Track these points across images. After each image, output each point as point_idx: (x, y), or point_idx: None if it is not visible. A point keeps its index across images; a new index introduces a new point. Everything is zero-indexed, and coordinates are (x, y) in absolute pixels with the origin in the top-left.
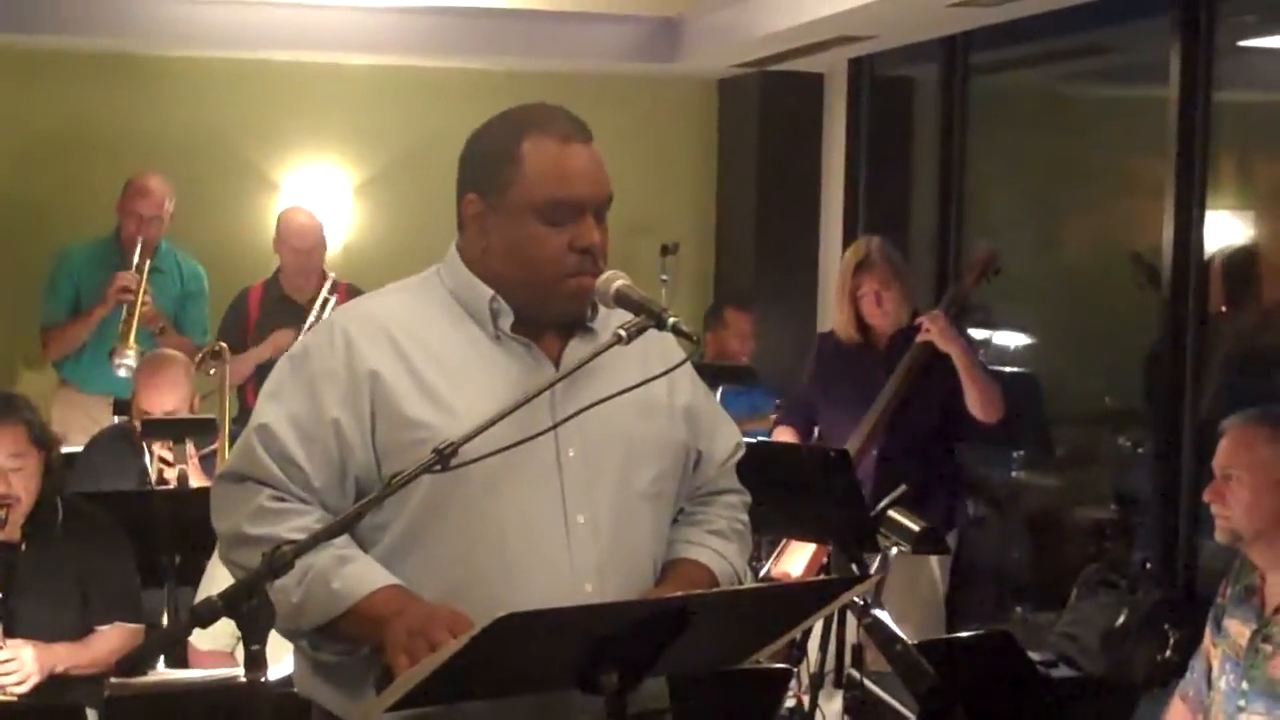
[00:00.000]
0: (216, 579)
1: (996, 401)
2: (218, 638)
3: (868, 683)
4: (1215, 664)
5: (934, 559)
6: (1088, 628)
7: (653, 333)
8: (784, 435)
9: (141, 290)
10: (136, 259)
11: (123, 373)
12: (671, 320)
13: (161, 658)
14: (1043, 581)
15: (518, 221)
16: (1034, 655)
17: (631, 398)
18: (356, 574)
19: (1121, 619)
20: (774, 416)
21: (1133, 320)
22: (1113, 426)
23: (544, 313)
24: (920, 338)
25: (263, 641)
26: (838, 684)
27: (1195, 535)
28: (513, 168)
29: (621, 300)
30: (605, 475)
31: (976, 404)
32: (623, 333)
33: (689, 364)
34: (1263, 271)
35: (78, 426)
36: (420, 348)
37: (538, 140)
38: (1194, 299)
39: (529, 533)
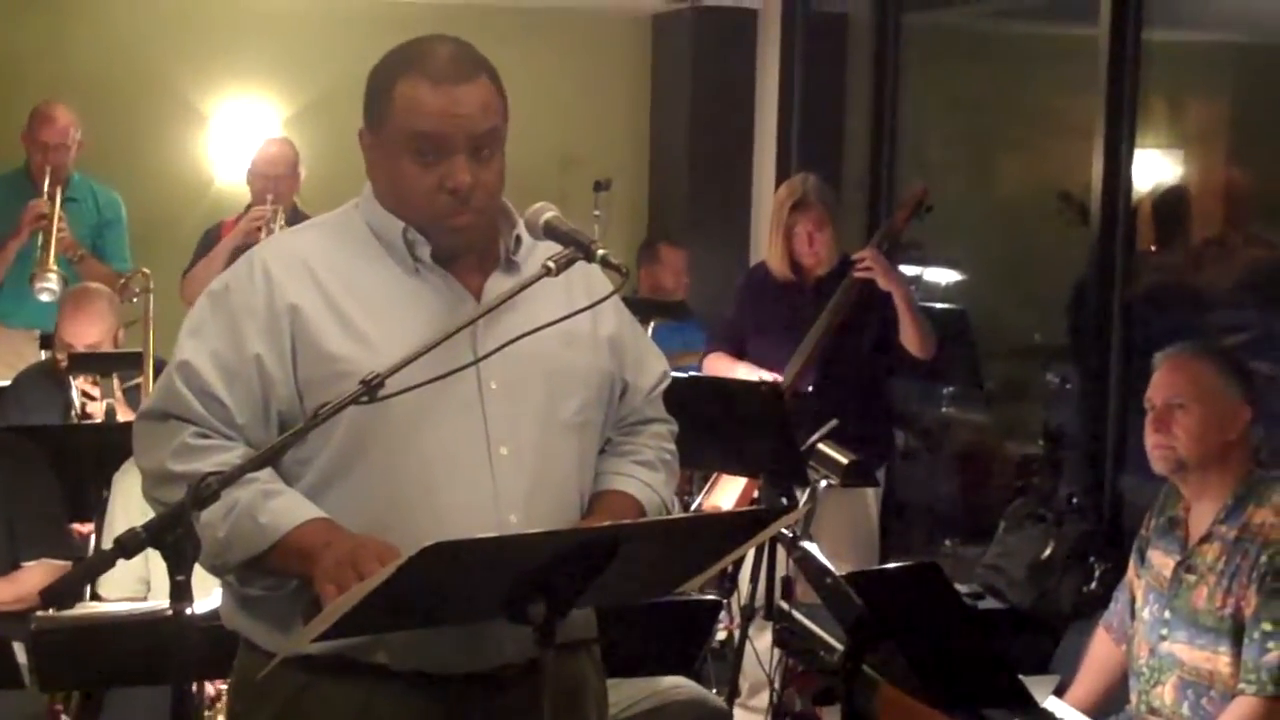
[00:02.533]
0: (116, 517)
1: (931, 339)
2: (124, 584)
3: (797, 614)
4: (1139, 595)
5: (869, 493)
6: (1014, 560)
7: (580, 264)
8: (719, 361)
9: (56, 216)
10: (47, 188)
11: (45, 297)
12: (600, 252)
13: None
14: (971, 515)
15: (394, 158)
16: (962, 588)
17: (555, 329)
18: (283, 507)
19: (1048, 552)
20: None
21: (1063, 257)
22: (1041, 362)
23: (443, 247)
24: (858, 273)
25: (188, 573)
26: (768, 616)
27: (1120, 469)
28: (387, 104)
29: (550, 232)
30: (528, 406)
31: (913, 341)
32: (551, 265)
33: (616, 296)
34: (1191, 210)
35: (4, 362)
36: (340, 282)
37: (411, 77)
38: (1122, 237)
39: (453, 465)
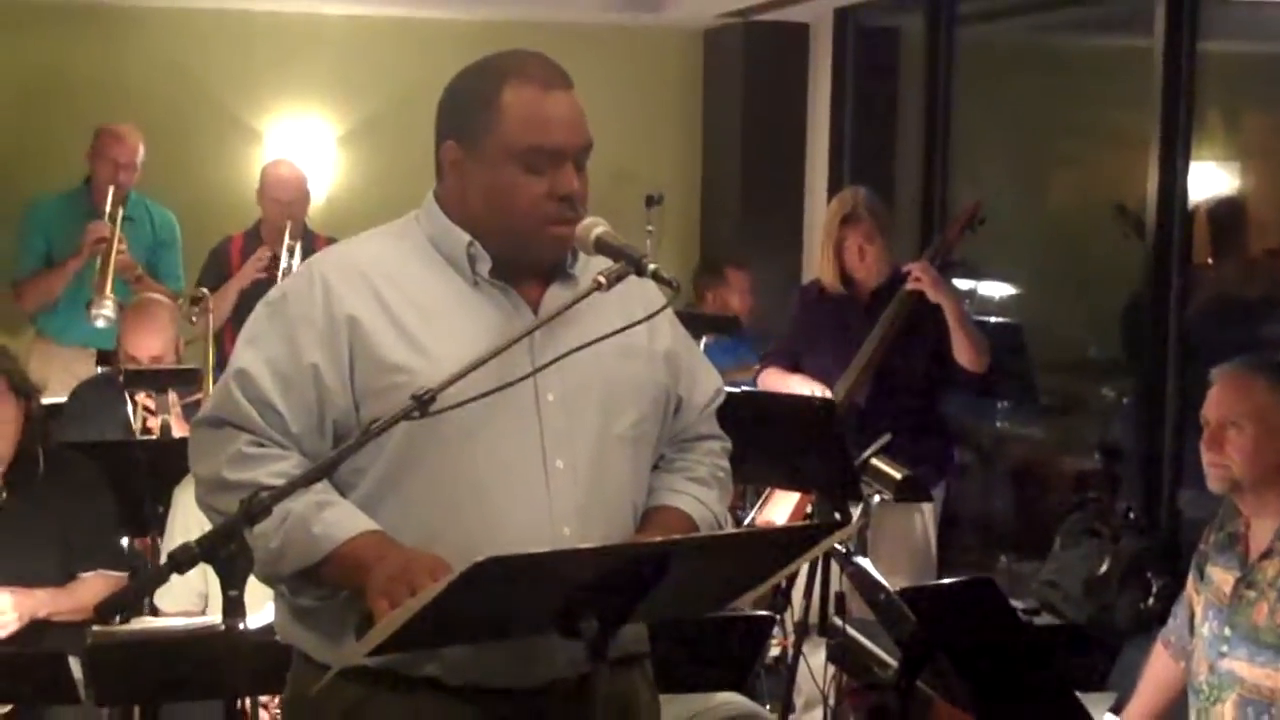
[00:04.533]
0: (176, 531)
1: (984, 352)
2: (182, 599)
3: (851, 630)
4: (1198, 611)
5: (925, 508)
6: (1071, 576)
7: (634, 279)
8: (773, 375)
9: (116, 239)
10: (109, 208)
11: (101, 323)
12: (651, 266)
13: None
14: (1027, 530)
15: (497, 168)
16: (1017, 603)
17: (611, 343)
18: (336, 519)
19: (1104, 567)
20: (756, 366)
21: (1118, 271)
22: (1097, 376)
23: (523, 259)
24: (910, 286)
25: (241, 588)
26: (821, 632)
27: (1178, 484)
28: (493, 114)
29: (602, 247)
30: (585, 420)
31: (965, 355)
32: (602, 279)
33: (669, 310)
34: (1248, 222)
35: (55, 379)
36: (398, 292)
37: (518, 87)
38: (1178, 250)
39: (508, 477)
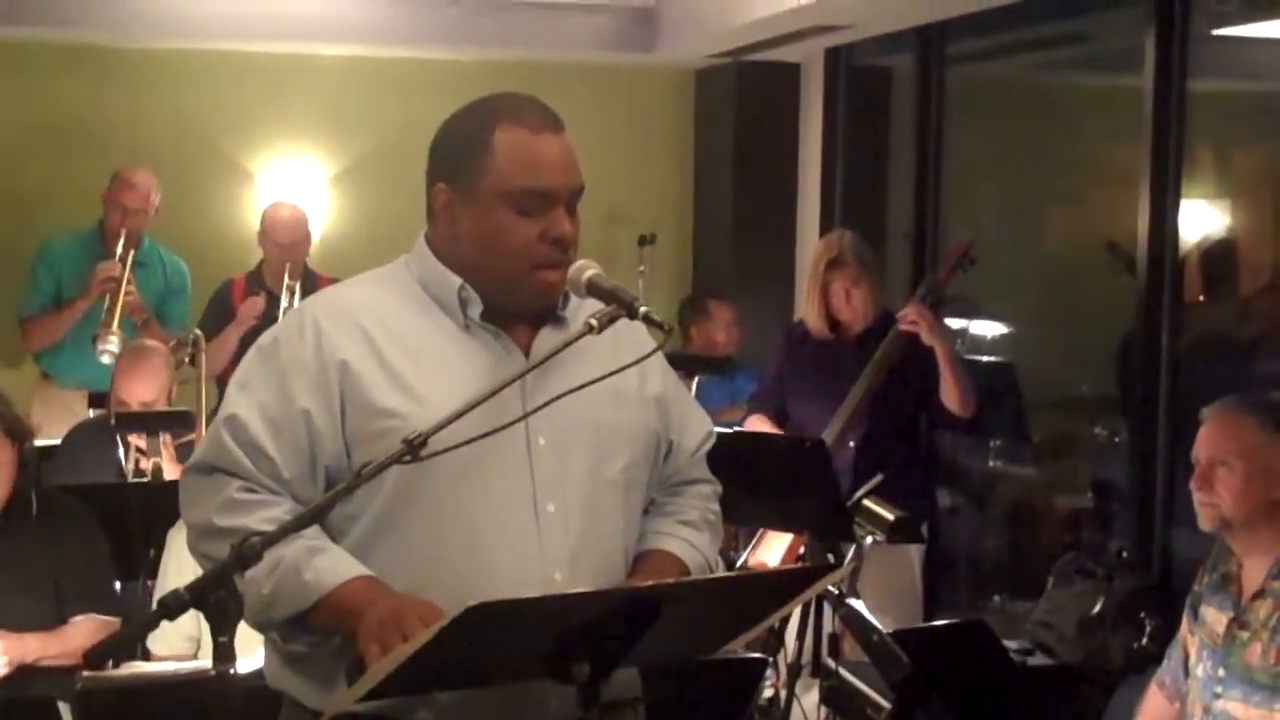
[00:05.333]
0: (169, 575)
1: (971, 398)
2: (174, 643)
3: (844, 672)
4: (1192, 652)
5: (912, 549)
6: (1064, 616)
7: (624, 322)
8: (758, 424)
9: (125, 280)
10: (120, 250)
11: (106, 359)
12: (643, 310)
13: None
14: (1019, 570)
15: (489, 211)
16: (1010, 644)
17: (603, 387)
18: (328, 565)
19: (1098, 607)
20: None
21: (1110, 309)
22: (1089, 415)
23: (514, 303)
24: (903, 328)
25: (231, 634)
26: (814, 674)
27: (1171, 524)
28: (484, 157)
29: (593, 289)
30: (576, 464)
31: (953, 399)
32: (594, 322)
33: (660, 354)
34: (1240, 261)
35: (57, 420)
36: (389, 337)
37: (510, 129)
38: (1170, 288)
39: (499, 522)
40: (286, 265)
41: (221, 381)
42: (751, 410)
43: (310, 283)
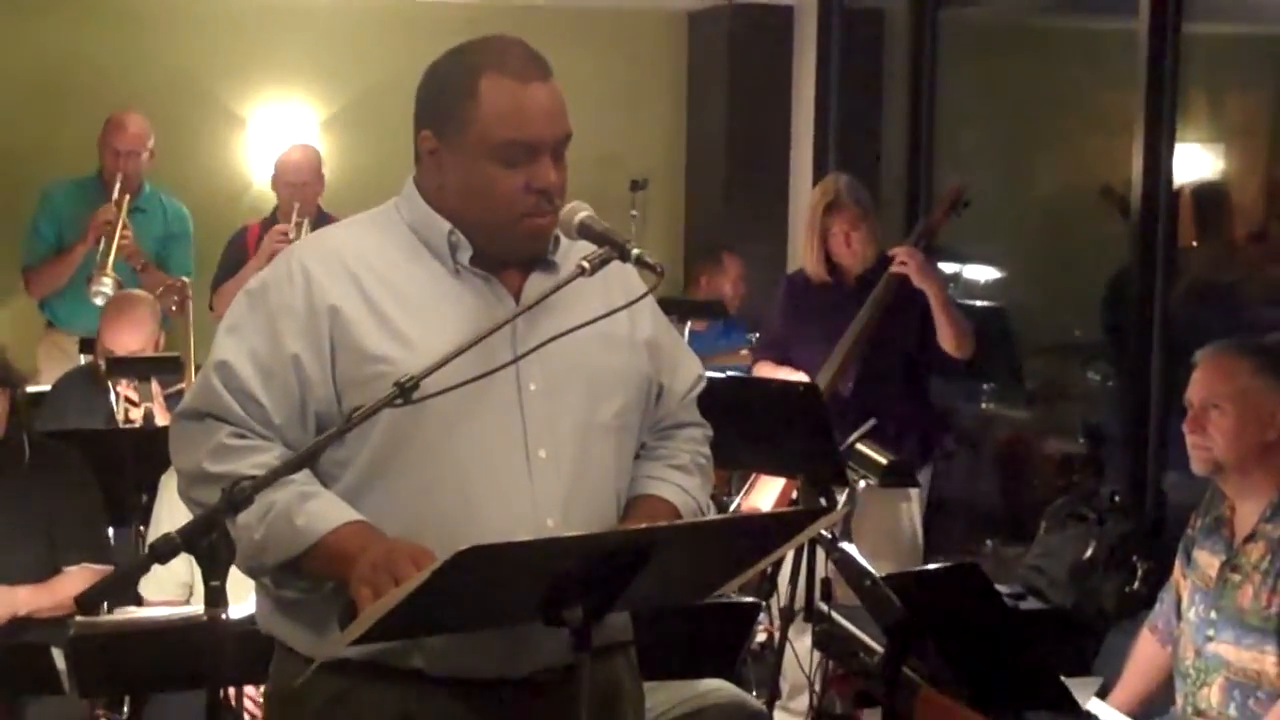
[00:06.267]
0: (162, 520)
1: (968, 338)
2: (167, 588)
3: (837, 616)
4: (1184, 595)
5: (911, 494)
6: (1056, 560)
7: (615, 265)
8: (763, 369)
9: (121, 223)
10: (116, 194)
11: (99, 300)
12: (635, 251)
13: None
14: (1012, 514)
15: (474, 161)
16: (1002, 588)
17: (594, 330)
18: (319, 510)
19: (1090, 551)
20: (745, 351)
21: (1103, 253)
22: (1082, 359)
23: (503, 249)
24: (894, 270)
25: (223, 579)
26: (807, 618)
27: (1163, 467)
28: (470, 106)
29: (585, 232)
30: (568, 409)
31: (949, 341)
32: (586, 264)
33: (651, 297)
34: (1233, 205)
35: (60, 366)
36: (379, 281)
37: (496, 78)
38: (1163, 232)
39: (490, 467)
40: (295, 206)
41: None
42: (757, 359)
43: (324, 224)
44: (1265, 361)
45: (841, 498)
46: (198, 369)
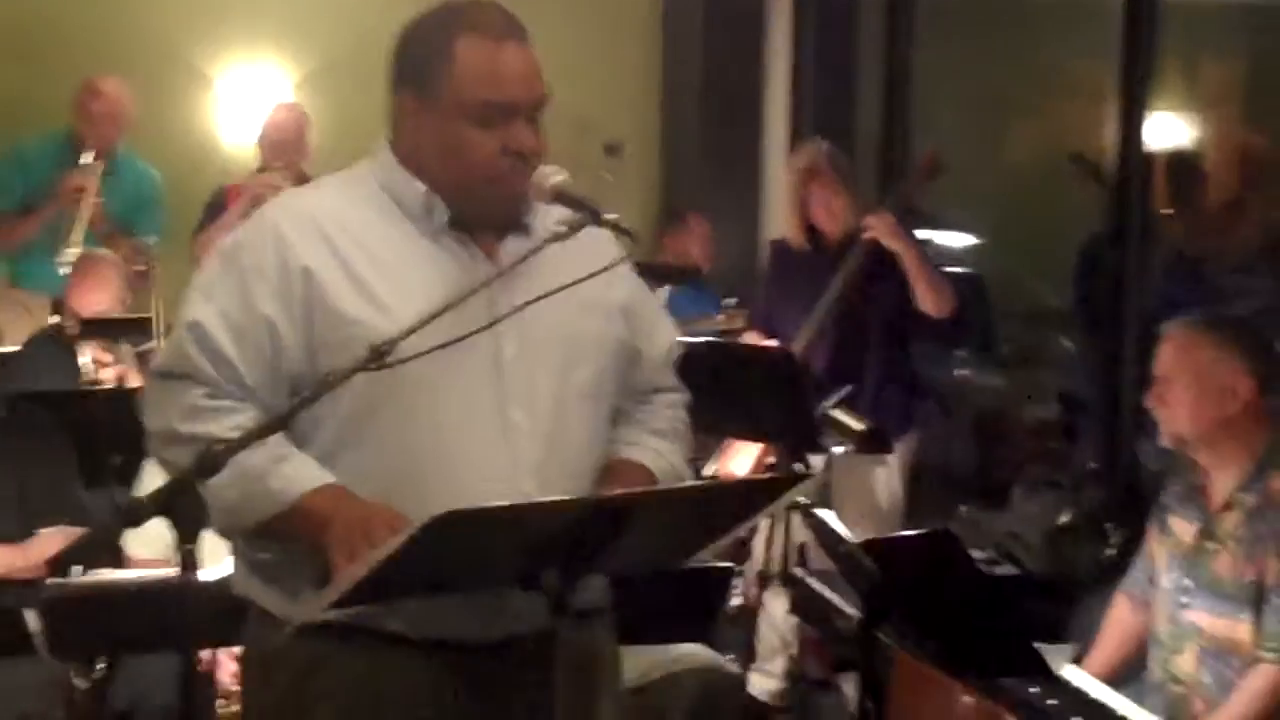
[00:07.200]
0: (145, 482)
1: (947, 296)
2: (152, 544)
3: (812, 582)
4: (1159, 562)
5: (891, 461)
6: (1031, 527)
7: (591, 230)
8: (754, 340)
9: (92, 190)
10: (90, 159)
11: (64, 270)
12: (609, 217)
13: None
14: (986, 480)
15: (449, 123)
16: (977, 554)
17: (571, 295)
18: (293, 472)
19: (1064, 518)
20: (721, 317)
21: (1077, 220)
22: (1057, 326)
23: (479, 211)
24: (865, 235)
25: (194, 541)
26: (783, 582)
27: (1137, 435)
28: (445, 68)
29: (559, 196)
30: (544, 373)
31: (928, 299)
32: (561, 229)
33: (627, 261)
34: (1206, 174)
35: (22, 326)
36: (354, 243)
37: (471, 40)
38: (1138, 200)
39: (466, 431)
40: (277, 165)
41: None
42: (751, 327)
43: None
44: (1226, 336)
45: (818, 464)
46: (167, 327)
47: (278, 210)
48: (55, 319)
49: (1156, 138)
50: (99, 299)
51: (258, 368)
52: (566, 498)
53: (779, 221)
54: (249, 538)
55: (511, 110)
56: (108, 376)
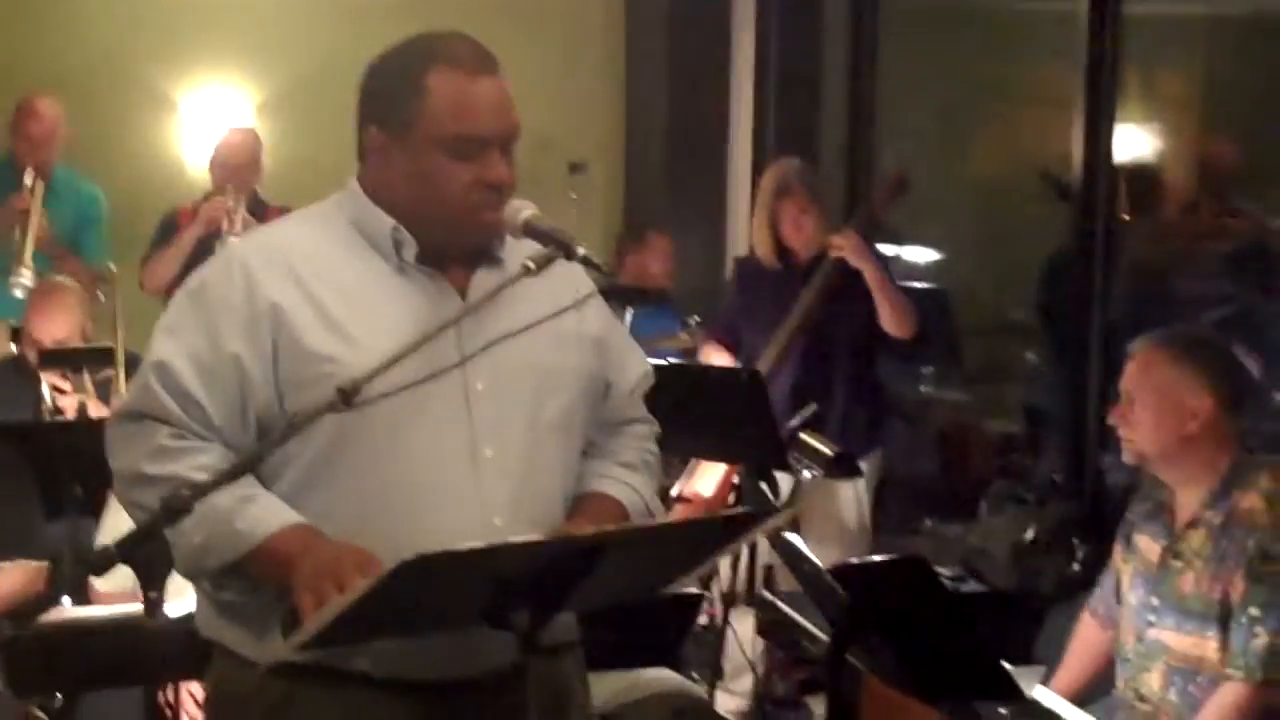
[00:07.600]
0: (116, 516)
1: (910, 317)
2: (120, 581)
3: (780, 604)
4: (1125, 579)
5: (860, 482)
6: (996, 542)
7: (561, 262)
8: (715, 352)
9: (36, 212)
10: (29, 181)
11: (19, 293)
12: (581, 251)
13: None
14: (952, 495)
15: (422, 155)
16: (942, 570)
17: (541, 329)
18: (260, 513)
19: (1030, 533)
20: (684, 335)
21: (1041, 234)
22: (1022, 340)
23: (451, 244)
24: (832, 253)
25: (160, 587)
26: (749, 603)
27: (1102, 449)
28: (418, 101)
29: (530, 230)
30: (515, 408)
31: (890, 320)
32: (531, 264)
33: (597, 293)
34: (1166, 183)
35: None
36: (322, 279)
37: (444, 72)
38: (1103, 212)
39: (436, 467)
40: (228, 189)
41: (167, 297)
42: (708, 338)
43: (259, 213)
44: (1188, 354)
45: (786, 486)
46: (126, 355)
47: (245, 246)
48: (14, 348)
49: (1117, 148)
50: (60, 327)
51: (225, 407)
52: (537, 538)
53: (744, 239)
54: (215, 578)
55: (486, 143)
56: (67, 405)
